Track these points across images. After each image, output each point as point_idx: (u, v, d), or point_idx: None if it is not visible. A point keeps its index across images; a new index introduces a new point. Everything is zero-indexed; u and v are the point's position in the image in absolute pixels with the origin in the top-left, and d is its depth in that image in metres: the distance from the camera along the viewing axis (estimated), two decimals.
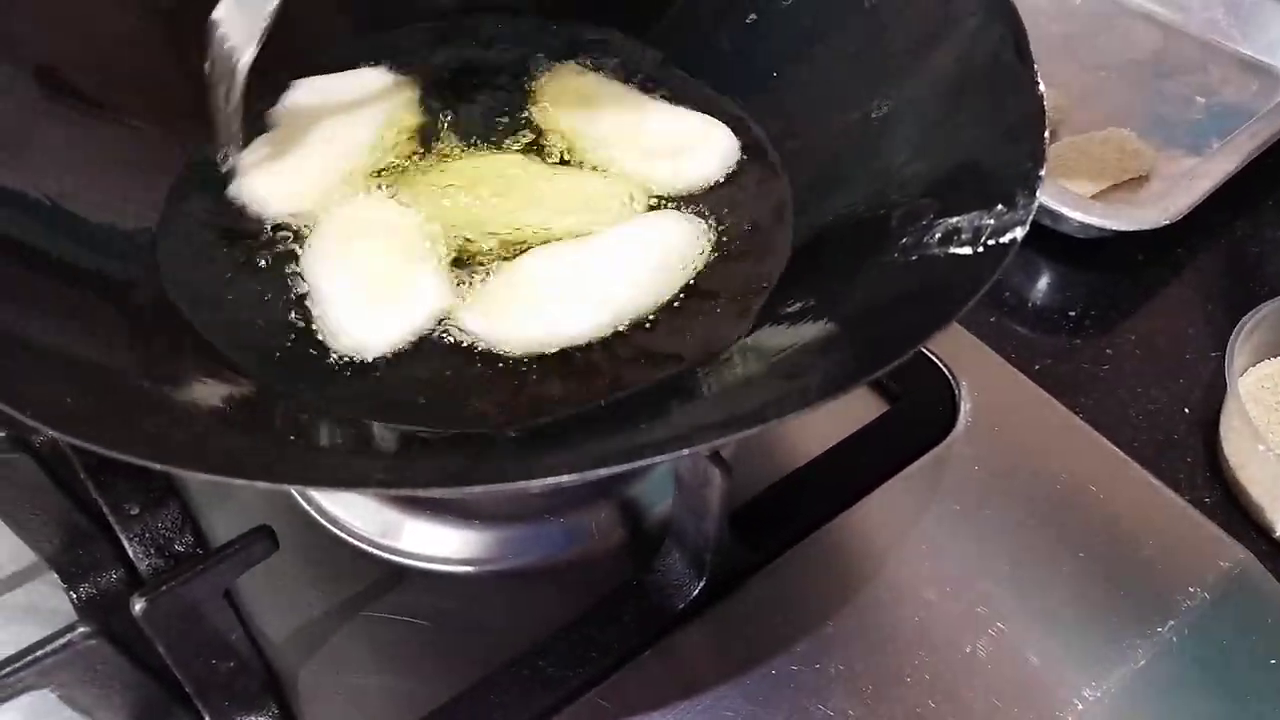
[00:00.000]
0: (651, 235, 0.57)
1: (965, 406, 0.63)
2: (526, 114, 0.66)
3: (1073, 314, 0.74)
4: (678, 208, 0.60)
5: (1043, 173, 0.44)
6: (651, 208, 0.60)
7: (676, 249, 0.57)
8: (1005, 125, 0.48)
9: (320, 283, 0.54)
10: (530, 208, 0.59)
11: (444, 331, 0.53)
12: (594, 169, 0.62)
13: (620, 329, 0.53)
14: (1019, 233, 0.42)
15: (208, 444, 0.41)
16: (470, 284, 0.55)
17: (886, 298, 0.46)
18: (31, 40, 0.56)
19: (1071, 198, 0.74)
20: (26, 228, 0.50)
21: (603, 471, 0.34)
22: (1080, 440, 0.62)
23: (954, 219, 0.46)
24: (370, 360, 0.51)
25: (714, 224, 0.59)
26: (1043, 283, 0.77)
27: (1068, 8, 0.99)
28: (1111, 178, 0.81)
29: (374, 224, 0.58)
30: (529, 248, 0.57)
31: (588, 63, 0.69)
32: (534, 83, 0.68)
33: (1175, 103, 0.90)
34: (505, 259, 0.56)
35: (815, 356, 0.45)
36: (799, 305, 0.50)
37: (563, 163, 0.63)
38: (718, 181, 0.61)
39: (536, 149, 0.63)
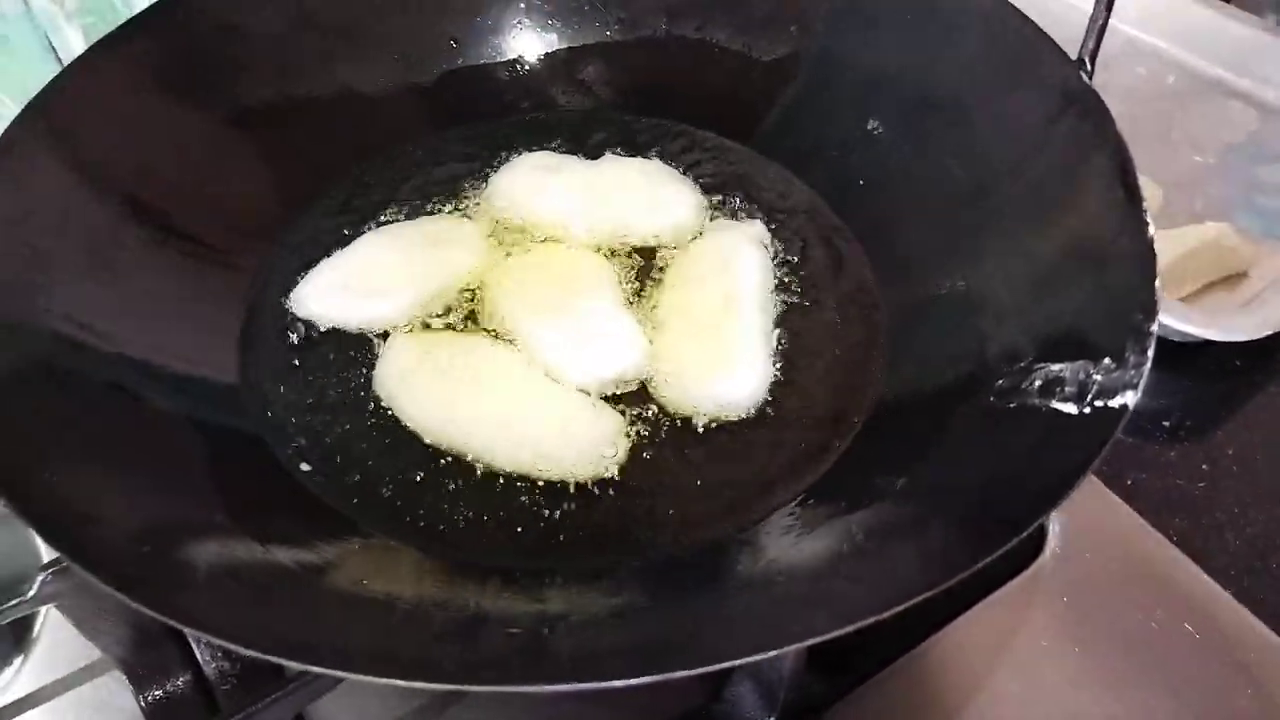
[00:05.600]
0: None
1: (1053, 529, 0.60)
2: None
3: (1167, 424, 0.71)
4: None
5: (1154, 327, 0.42)
6: None
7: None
8: (1113, 269, 0.46)
9: None
10: None
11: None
12: None
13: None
14: (1130, 398, 0.40)
15: (336, 627, 0.40)
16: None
17: (984, 468, 0.43)
18: (118, 164, 0.57)
19: (1166, 302, 0.71)
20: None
21: (680, 674, 0.32)
22: (1174, 570, 0.59)
23: (1056, 366, 0.44)
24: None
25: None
26: None
27: (1160, 86, 0.96)
28: (1208, 275, 0.78)
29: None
30: None
31: None
32: None
33: (1274, 190, 0.87)
34: None
35: (908, 538, 0.43)
36: (888, 468, 0.48)
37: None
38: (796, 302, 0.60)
39: None
